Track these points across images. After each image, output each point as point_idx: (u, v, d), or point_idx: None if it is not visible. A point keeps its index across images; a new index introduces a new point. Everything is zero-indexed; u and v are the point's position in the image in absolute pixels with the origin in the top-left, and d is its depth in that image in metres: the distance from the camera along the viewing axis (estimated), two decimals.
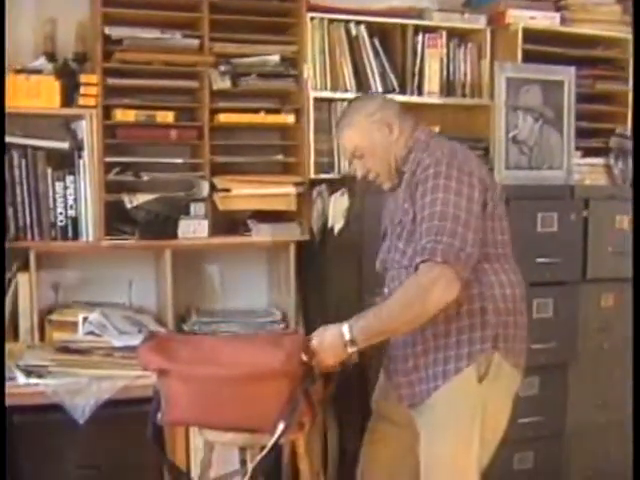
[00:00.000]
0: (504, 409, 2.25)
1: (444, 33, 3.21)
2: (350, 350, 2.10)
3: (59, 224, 2.87)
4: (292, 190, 3.06)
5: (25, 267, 2.87)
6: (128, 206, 2.92)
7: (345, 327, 2.10)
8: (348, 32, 3.10)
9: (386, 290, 2.31)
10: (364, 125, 2.29)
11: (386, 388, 2.40)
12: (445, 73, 3.22)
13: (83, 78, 2.83)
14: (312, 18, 3.03)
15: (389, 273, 2.30)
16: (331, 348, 2.11)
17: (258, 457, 2.14)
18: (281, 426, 2.06)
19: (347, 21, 3.09)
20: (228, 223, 3.10)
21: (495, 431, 2.24)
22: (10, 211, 2.81)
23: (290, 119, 3.06)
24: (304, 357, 2.09)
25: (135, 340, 2.72)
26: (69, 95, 2.84)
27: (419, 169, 2.17)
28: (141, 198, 2.93)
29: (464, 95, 3.26)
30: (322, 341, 2.12)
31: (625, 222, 3.16)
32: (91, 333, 2.85)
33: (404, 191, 2.22)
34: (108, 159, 2.88)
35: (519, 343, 2.25)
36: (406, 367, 2.26)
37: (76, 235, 2.89)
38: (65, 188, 2.87)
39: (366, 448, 2.47)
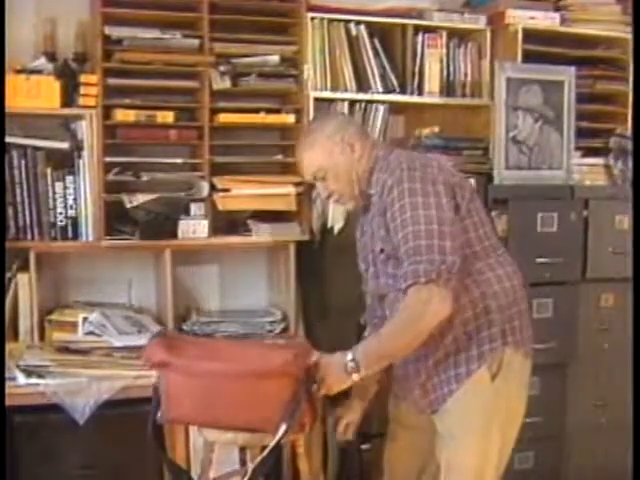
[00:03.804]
0: (520, 399, 2.26)
1: (444, 33, 3.20)
2: (355, 377, 2.07)
3: (59, 224, 2.87)
4: (292, 190, 3.05)
5: (25, 267, 2.87)
6: (128, 206, 2.91)
7: (348, 356, 2.07)
8: (348, 32, 3.09)
9: (387, 312, 2.26)
10: (326, 146, 2.26)
11: (400, 396, 2.39)
12: (445, 73, 3.22)
13: (83, 78, 2.83)
14: (312, 18, 3.02)
15: (388, 296, 2.25)
16: (336, 377, 2.08)
17: (259, 458, 2.13)
18: (283, 427, 2.05)
19: (347, 21, 3.09)
20: (228, 223, 3.09)
21: (514, 423, 2.26)
22: (10, 211, 2.80)
23: (290, 119, 3.06)
24: (310, 360, 2.08)
25: (135, 340, 2.73)
26: (69, 95, 2.83)
27: (384, 192, 2.15)
28: (141, 198, 2.92)
29: (464, 95, 3.26)
30: (327, 368, 2.08)
31: (625, 222, 3.17)
32: (91, 333, 2.84)
33: (378, 217, 2.20)
34: (108, 159, 2.87)
35: (526, 331, 2.25)
36: (420, 380, 2.25)
37: (76, 235, 2.89)
38: (65, 188, 2.87)
39: (389, 455, 2.46)
